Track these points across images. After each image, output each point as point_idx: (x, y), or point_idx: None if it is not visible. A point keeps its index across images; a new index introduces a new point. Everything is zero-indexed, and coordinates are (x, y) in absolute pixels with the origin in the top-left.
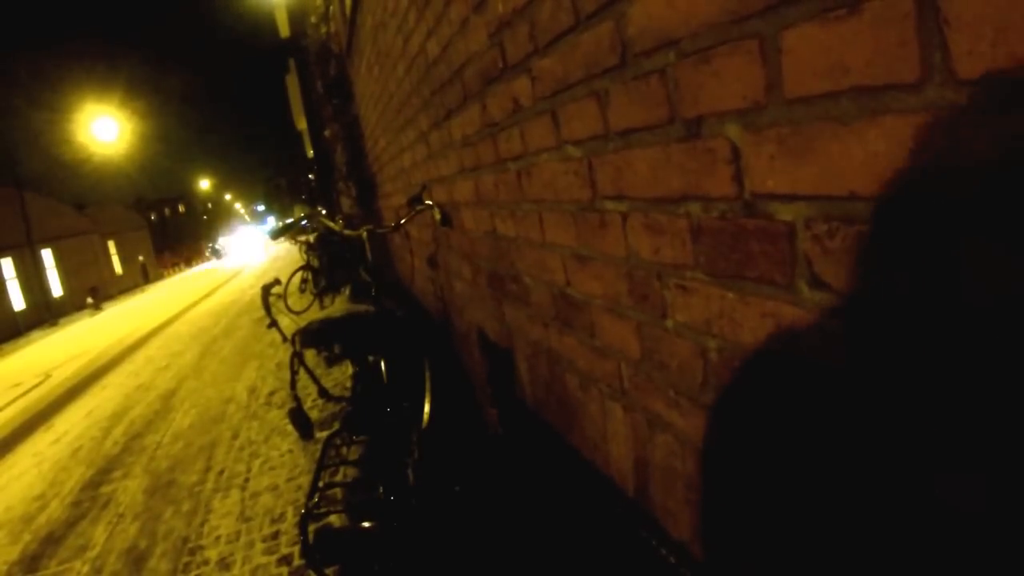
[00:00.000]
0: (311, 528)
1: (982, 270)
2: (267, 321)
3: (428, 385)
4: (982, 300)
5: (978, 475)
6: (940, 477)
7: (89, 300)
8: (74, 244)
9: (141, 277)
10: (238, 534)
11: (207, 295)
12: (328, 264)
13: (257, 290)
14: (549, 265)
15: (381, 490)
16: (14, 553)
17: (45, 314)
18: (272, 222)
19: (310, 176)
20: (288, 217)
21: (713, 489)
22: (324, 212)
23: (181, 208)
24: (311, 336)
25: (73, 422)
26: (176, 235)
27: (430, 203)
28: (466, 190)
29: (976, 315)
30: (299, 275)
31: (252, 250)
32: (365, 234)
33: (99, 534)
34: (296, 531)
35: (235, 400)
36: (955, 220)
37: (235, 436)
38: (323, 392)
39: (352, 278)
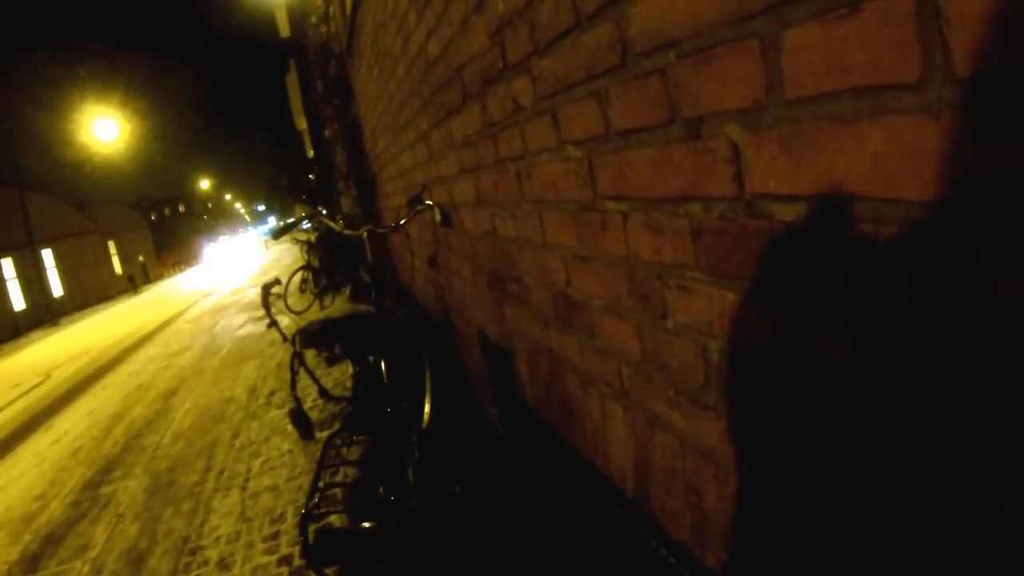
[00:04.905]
0: (311, 528)
1: (983, 273)
2: (267, 321)
3: (428, 385)
4: (983, 305)
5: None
6: (944, 477)
7: None
8: (74, 244)
9: (141, 277)
10: (238, 534)
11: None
12: (328, 264)
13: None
14: (549, 265)
15: (381, 490)
16: (14, 553)
17: (45, 314)
18: (273, 222)
19: (310, 176)
20: (289, 217)
21: (715, 490)
22: (325, 212)
23: (181, 208)
24: (311, 336)
25: (73, 422)
26: (177, 235)
27: (430, 203)
28: (466, 190)
29: (976, 321)
30: (299, 275)
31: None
32: (365, 234)
33: (99, 534)
34: (296, 531)
35: (235, 400)
36: (956, 221)
37: (235, 436)
38: (323, 392)
39: (352, 278)
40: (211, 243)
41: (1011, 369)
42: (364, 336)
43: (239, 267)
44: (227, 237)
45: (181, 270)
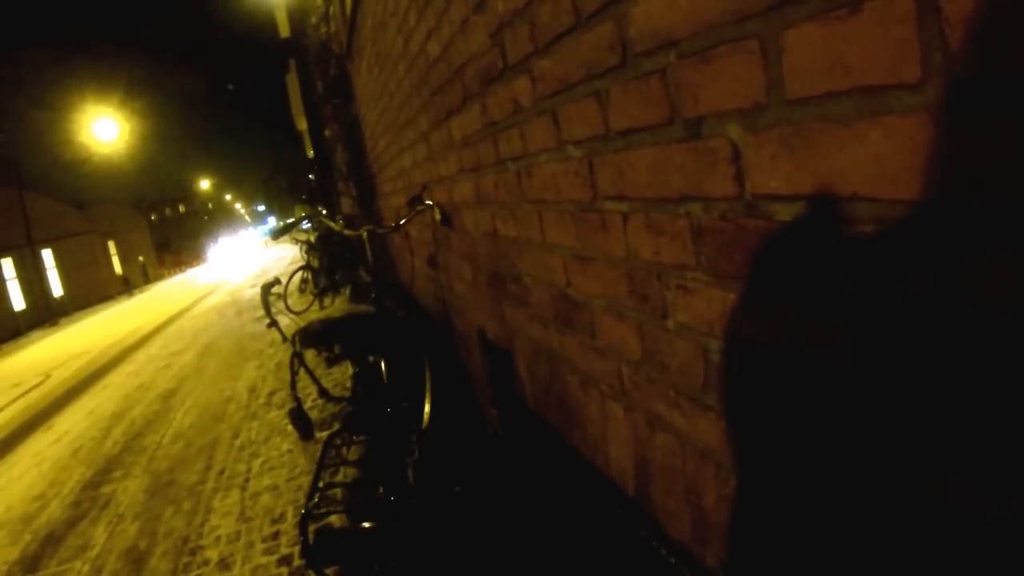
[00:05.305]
0: (311, 528)
1: (985, 274)
2: (267, 321)
3: (428, 385)
4: (985, 305)
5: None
6: (949, 479)
7: None
8: (74, 244)
9: (141, 277)
10: (238, 534)
11: None
12: (328, 264)
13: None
14: (549, 265)
15: (381, 490)
16: (14, 553)
17: (45, 314)
18: (272, 222)
19: (310, 176)
20: (289, 217)
21: (715, 490)
22: (324, 212)
23: (181, 208)
24: (311, 336)
25: (73, 422)
26: (177, 235)
27: (430, 203)
28: (466, 190)
29: (978, 321)
30: (299, 275)
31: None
32: (365, 234)
33: (99, 534)
34: (296, 531)
35: (235, 400)
36: (957, 223)
37: (235, 436)
38: (323, 392)
39: (352, 278)
40: (211, 243)
41: (1013, 369)
42: (364, 336)
43: (239, 267)
44: (227, 237)
45: (181, 270)
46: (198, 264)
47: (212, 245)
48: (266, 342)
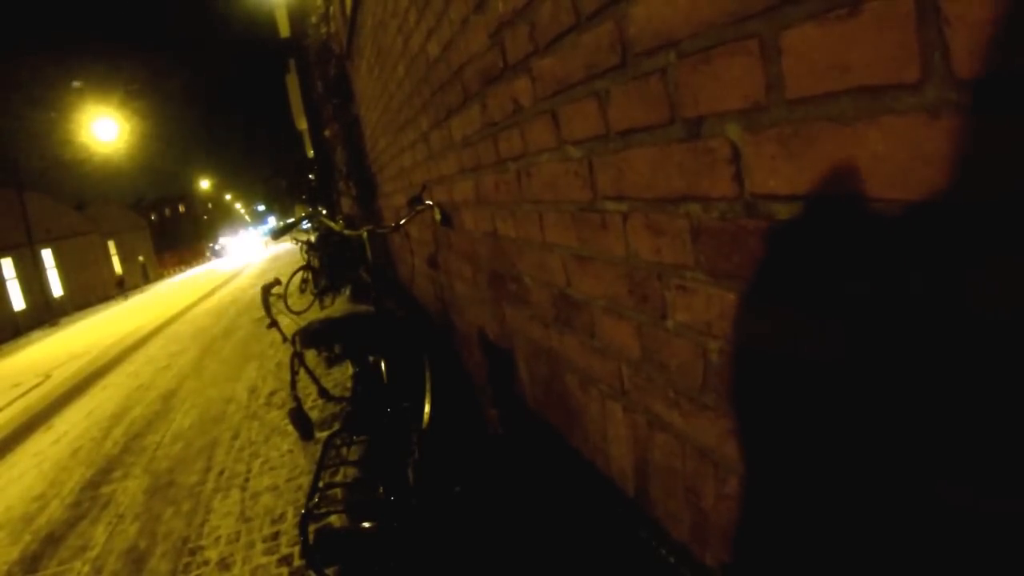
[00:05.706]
0: (311, 528)
1: (985, 274)
2: (267, 321)
3: (428, 385)
4: (985, 305)
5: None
6: (944, 476)
7: None
8: (74, 244)
9: (141, 278)
10: (238, 534)
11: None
12: (328, 264)
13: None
14: (549, 265)
15: (381, 490)
16: (14, 553)
17: (45, 314)
18: (272, 222)
19: (310, 176)
20: (289, 217)
21: (714, 490)
22: (325, 212)
23: (181, 208)
24: (311, 336)
25: (73, 422)
26: (177, 235)
27: (430, 203)
28: (466, 190)
29: (978, 320)
30: (299, 275)
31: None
32: (365, 234)
33: (99, 534)
34: (296, 531)
35: (235, 400)
36: (956, 222)
37: (235, 436)
38: (323, 392)
39: (352, 278)
40: (212, 244)
41: (1010, 368)
42: (364, 336)
43: (239, 266)
44: (227, 237)
45: (182, 270)
46: (198, 263)
47: (213, 245)
48: (266, 342)
